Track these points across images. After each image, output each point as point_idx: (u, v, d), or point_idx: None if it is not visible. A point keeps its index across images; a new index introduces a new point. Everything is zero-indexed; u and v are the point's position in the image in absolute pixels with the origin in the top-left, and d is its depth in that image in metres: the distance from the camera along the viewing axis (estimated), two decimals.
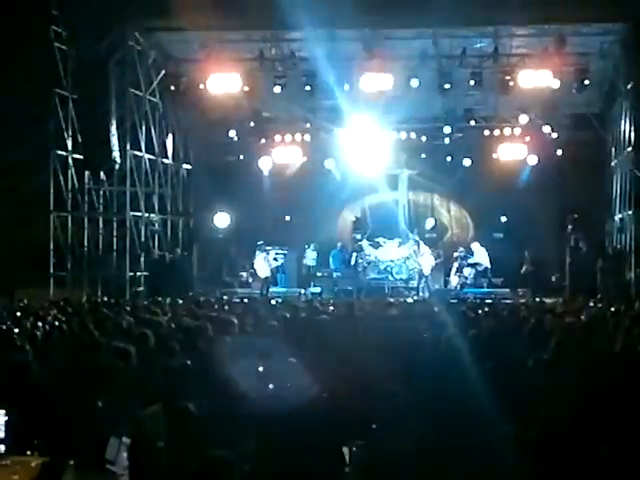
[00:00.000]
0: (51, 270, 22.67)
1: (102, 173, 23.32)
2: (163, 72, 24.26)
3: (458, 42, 22.42)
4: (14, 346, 9.31)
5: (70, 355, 8.92)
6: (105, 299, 20.40)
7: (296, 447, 5.76)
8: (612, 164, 25.20)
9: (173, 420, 6.18)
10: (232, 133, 27.05)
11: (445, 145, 26.65)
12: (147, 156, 24.29)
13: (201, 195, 26.98)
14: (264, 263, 25.14)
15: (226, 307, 16.21)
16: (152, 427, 6.31)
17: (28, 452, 6.35)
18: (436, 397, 7.18)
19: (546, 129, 25.78)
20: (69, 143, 22.94)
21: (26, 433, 6.56)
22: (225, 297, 21.22)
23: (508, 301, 20.79)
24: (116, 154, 22.81)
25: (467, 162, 26.57)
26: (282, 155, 27.19)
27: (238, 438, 6.26)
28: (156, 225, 25.02)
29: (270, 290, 24.73)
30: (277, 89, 23.20)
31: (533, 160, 26.13)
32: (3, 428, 6.31)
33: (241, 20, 21.15)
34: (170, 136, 26.06)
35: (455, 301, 18.62)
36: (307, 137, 26.83)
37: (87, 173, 23.23)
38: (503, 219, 26.50)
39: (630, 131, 22.70)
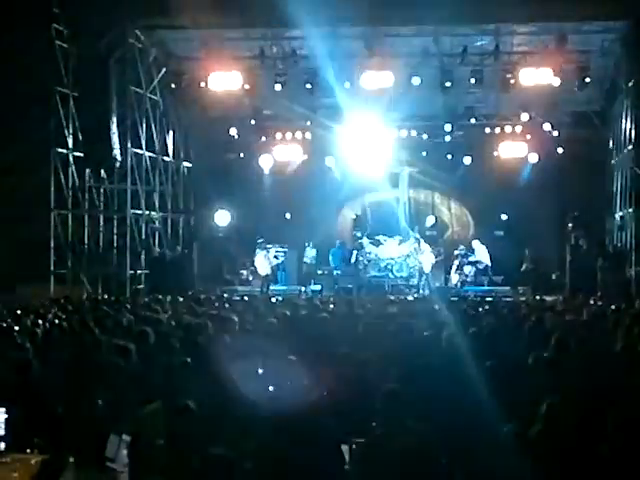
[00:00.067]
0: (52, 268, 22.67)
1: (103, 171, 23.32)
2: (164, 70, 24.25)
3: (459, 40, 22.39)
4: (14, 344, 9.33)
5: (70, 353, 8.92)
6: (105, 297, 20.41)
7: (296, 445, 5.75)
8: (613, 162, 25.17)
9: (173, 418, 6.18)
10: (233, 131, 27.05)
11: (446, 143, 26.66)
12: (148, 154, 24.28)
13: (201, 193, 26.95)
14: (264, 261, 25.12)
15: (226, 305, 16.21)
16: (152, 425, 6.33)
17: (28, 450, 6.36)
18: (436, 395, 7.18)
19: (547, 127, 25.77)
20: (70, 141, 22.94)
21: (26, 431, 6.57)
22: (225, 295, 21.19)
23: (508, 299, 20.77)
24: (117, 152, 22.80)
25: (468, 160, 26.56)
26: (283, 153, 27.21)
27: (238, 436, 6.27)
28: (156, 223, 25.01)
29: (270, 288, 24.71)
30: (278, 87, 23.19)
31: (534, 158, 26.13)
32: (3, 426, 6.32)
33: (242, 18, 21.13)
34: (171, 134, 26.05)
35: (455, 299, 18.57)
36: (308, 135, 26.84)
37: (88, 171, 23.23)
38: (503, 217, 26.49)
39: (631, 129, 22.68)
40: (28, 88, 20.73)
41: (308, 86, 22.84)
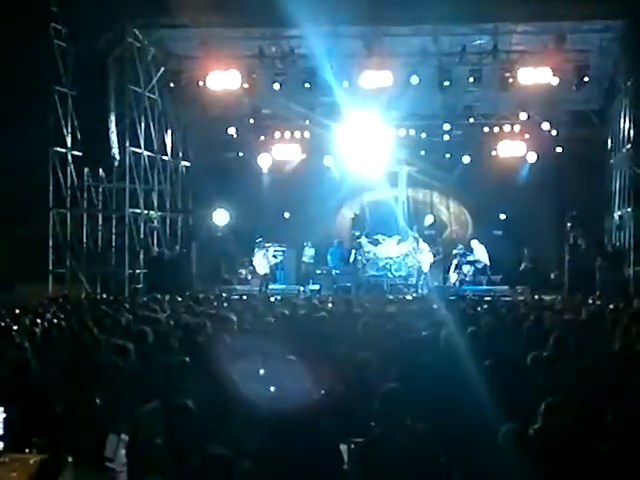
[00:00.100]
0: (50, 267, 22.66)
1: (101, 170, 23.32)
2: (162, 69, 24.23)
3: (458, 39, 22.37)
4: (13, 343, 9.33)
5: (69, 352, 8.92)
6: (104, 296, 20.44)
7: (294, 444, 5.75)
8: (611, 161, 25.16)
9: (171, 417, 6.18)
10: (231, 130, 27.07)
11: (444, 142, 26.68)
12: (146, 153, 24.26)
13: (200, 192, 26.93)
14: (263, 260, 25.10)
15: (225, 304, 16.23)
16: (151, 424, 6.32)
17: (27, 449, 6.35)
18: (435, 394, 7.18)
19: (545, 126, 25.79)
20: (68, 140, 22.93)
21: (25, 430, 6.56)
22: (224, 294, 21.19)
23: (507, 298, 20.77)
24: (115, 151, 22.79)
25: (466, 159, 26.57)
26: (281, 152, 27.22)
27: (237, 435, 6.27)
28: (155, 222, 24.99)
29: (269, 287, 24.69)
30: (276, 86, 23.19)
31: (532, 157, 26.14)
32: (2, 425, 6.31)
33: (241, 17, 21.11)
34: (169, 133, 26.04)
35: (454, 298, 18.60)
36: (306, 134, 26.85)
37: (86, 170, 23.23)
38: (502, 216, 26.49)
39: (629, 128, 22.68)
40: (27, 87, 20.72)
41: (307, 85, 22.82)
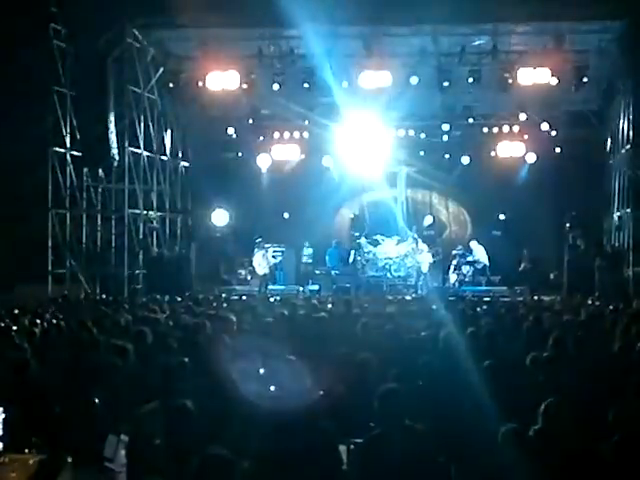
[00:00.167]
0: (49, 267, 22.63)
1: (100, 170, 23.30)
2: (162, 69, 24.22)
3: (457, 40, 22.38)
4: (12, 344, 9.32)
5: (68, 353, 8.92)
6: (103, 296, 20.45)
7: (294, 445, 5.75)
8: (611, 162, 25.17)
9: (171, 417, 6.17)
10: (230, 130, 27.05)
11: (444, 142, 26.67)
12: (145, 153, 24.27)
13: (199, 192, 26.92)
14: (262, 260, 25.09)
15: (224, 305, 16.23)
16: (150, 424, 6.31)
17: (26, 449, 6.35)
18: (434, 394, 7.18)
19: (544, 126, 25.79)
20: (67, 140, 22.91)
21: (24, 430, 6.56)
22: (223, 295, 21.22)
23: (506, 299, 20.74)
24: (114, 151, 22.77)
25: (466, 160, 26.56)
26: (280, 152, 27.20)
27: (236, 436, 6.26)
28: (154, 222, 24.98)
29: (268, 287, 24.68)
30: (276, 86, 23.16)
31: (531, 158, 26.14)
32: (1, 425, 6.31)
33: (240, 17, 21.09)
34: (169, 133, 26.04)
35: (453, 299, 18.59)
36: (305, 134, 26.83)
37: (85, 170, 23.21)
38: (501, 217, 26.49)
39: (628, 129, 22.70)
40: (26, 87, 20.72)
41: (306, 85, 22.80)
